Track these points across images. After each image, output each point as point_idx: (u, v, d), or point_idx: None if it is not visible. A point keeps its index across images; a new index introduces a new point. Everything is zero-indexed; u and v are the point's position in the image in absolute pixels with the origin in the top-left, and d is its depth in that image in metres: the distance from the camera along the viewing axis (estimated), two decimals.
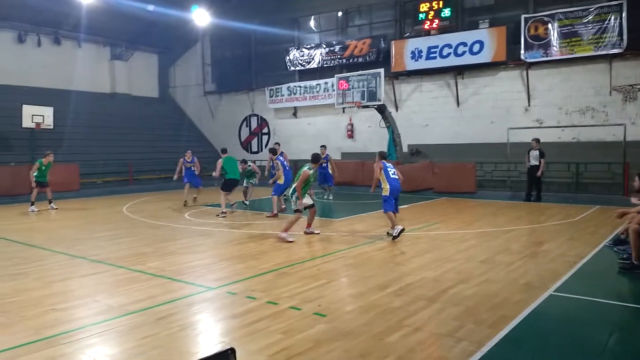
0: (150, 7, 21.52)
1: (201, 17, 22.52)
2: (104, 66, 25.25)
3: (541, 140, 14.67)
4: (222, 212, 12.26)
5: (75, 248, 8.64)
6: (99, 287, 6.29)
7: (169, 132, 24.60)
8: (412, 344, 4.30)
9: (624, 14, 15.00)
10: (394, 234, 8.88)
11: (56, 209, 13.94)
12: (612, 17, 15.21)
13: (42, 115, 17.98)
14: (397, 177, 9.20)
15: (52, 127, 18.41)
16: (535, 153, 14.39)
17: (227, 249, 8.60)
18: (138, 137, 23.16)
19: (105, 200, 16.38)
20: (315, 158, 9.59)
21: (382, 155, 9.53)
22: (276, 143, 14.95)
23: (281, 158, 12.27)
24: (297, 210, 9.18)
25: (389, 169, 9.21)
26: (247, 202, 14.19)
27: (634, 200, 8.14)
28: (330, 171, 14.81)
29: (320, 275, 6.58)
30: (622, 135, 15.18)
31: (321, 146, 15.25)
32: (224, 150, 13.64)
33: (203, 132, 26.58)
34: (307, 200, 9.29)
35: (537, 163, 14.29)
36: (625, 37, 15.05)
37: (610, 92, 15.73)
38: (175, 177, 14.76)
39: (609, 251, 7.83)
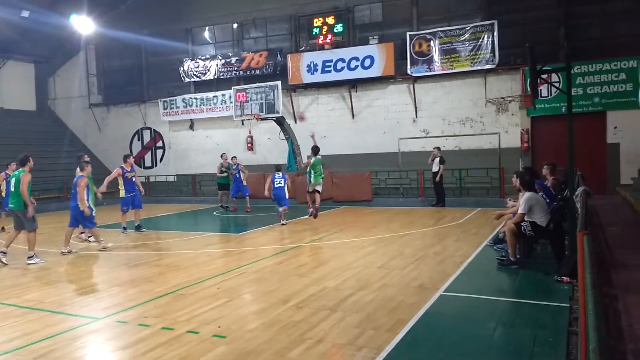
0: (25, 13, 19.61)
1: (84, 25, 20.99)
2: None
3: (427, 149, 15.56)
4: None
5: None
6: None
7: (48, 148, 22.44)
8: (315, 357, 4.30)
9: (495, 33, 16.62)
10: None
11: None
12: (485, 36, 16.79)
13: None
14: (281, 185, 12.40)
15: None
16: (436, 160, 15.18)
17: (118, 274, 7.98)
18: (10, 154, 20.76)
19: None
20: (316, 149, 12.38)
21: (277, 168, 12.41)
22: None
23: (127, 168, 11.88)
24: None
25: (275, 179, 12.48)
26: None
27: (509, 202, 8.98)
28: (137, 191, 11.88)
29: (221, 294, 6.36)
30: (497, 143, 16.79)
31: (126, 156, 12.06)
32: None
33: (89, 146, 24.67)
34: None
35: (437, 169, 15.10)
36: (497, 53, 16.68)
37: (486, 104, 17.31)
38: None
39: (490, 250, 8.52)
